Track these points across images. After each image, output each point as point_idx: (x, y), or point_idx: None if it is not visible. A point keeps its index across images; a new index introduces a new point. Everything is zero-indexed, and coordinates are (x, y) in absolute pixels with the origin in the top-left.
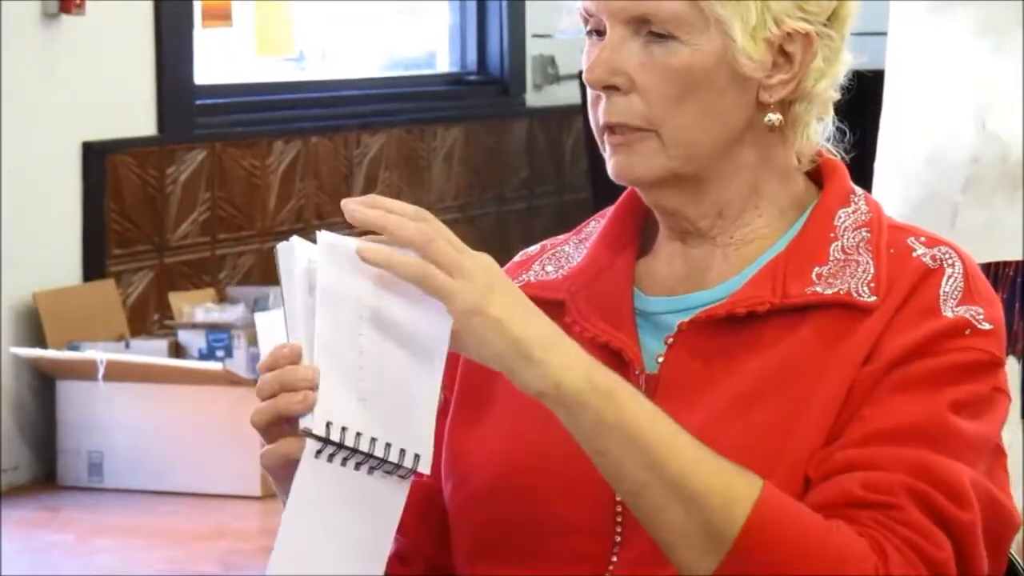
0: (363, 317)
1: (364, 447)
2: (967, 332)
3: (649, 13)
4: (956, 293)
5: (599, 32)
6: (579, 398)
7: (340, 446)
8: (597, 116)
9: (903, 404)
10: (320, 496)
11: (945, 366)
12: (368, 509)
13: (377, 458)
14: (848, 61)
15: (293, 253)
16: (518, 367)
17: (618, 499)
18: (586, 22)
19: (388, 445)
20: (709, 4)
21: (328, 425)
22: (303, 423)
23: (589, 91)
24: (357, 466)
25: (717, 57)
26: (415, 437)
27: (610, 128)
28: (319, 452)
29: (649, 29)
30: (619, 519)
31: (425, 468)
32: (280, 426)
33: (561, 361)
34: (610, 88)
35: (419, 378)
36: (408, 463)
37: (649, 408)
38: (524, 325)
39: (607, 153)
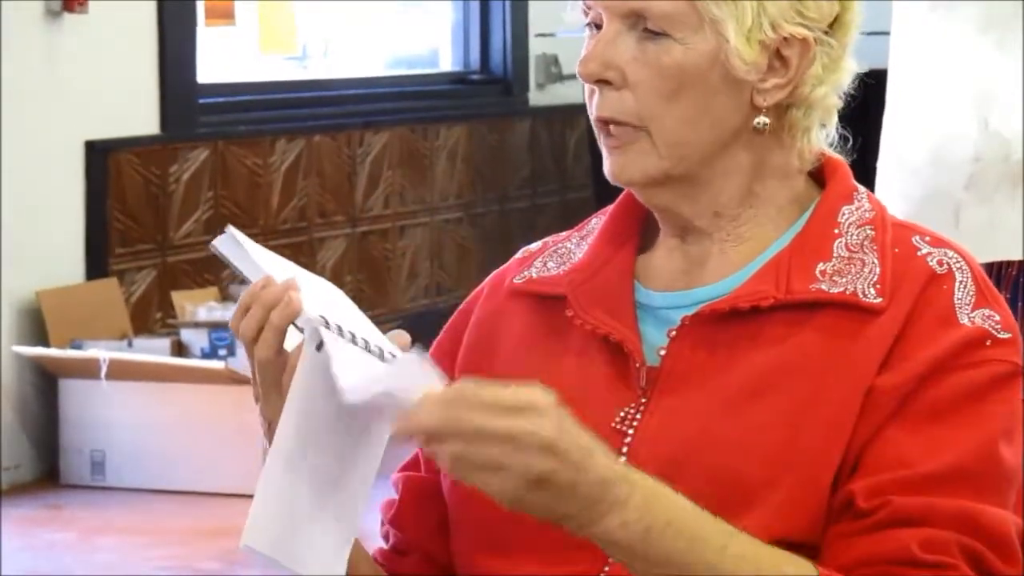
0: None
1: (360, 344)
2: (987, 343)
3: (644, 9)
4: (969, 298)
5: (598, 26)
6: (618, 544)
7: (340, 333)
8: (591, 110)
9: (947, 439)
10: (324, 386)
11: (975, 386)
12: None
13: (367, 350)
14: (852, 69)
15: (236, 239)
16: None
17: None
18: (586, 15)
19: (380, 346)
20: (704, 4)
21: (323, 317)
22: (299, 322)
23: (585, 85)
24: (369, 350)
25: (710, 57)
26: (387, 342)
27: (604, 126)
28: (320, 346)
29: (644, 26)
30: None
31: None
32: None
33: (604, 521)
34: (602, 82)
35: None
36: (387, 359)
37: (687, 536)
38: (565, 505)
39: (604, 153)
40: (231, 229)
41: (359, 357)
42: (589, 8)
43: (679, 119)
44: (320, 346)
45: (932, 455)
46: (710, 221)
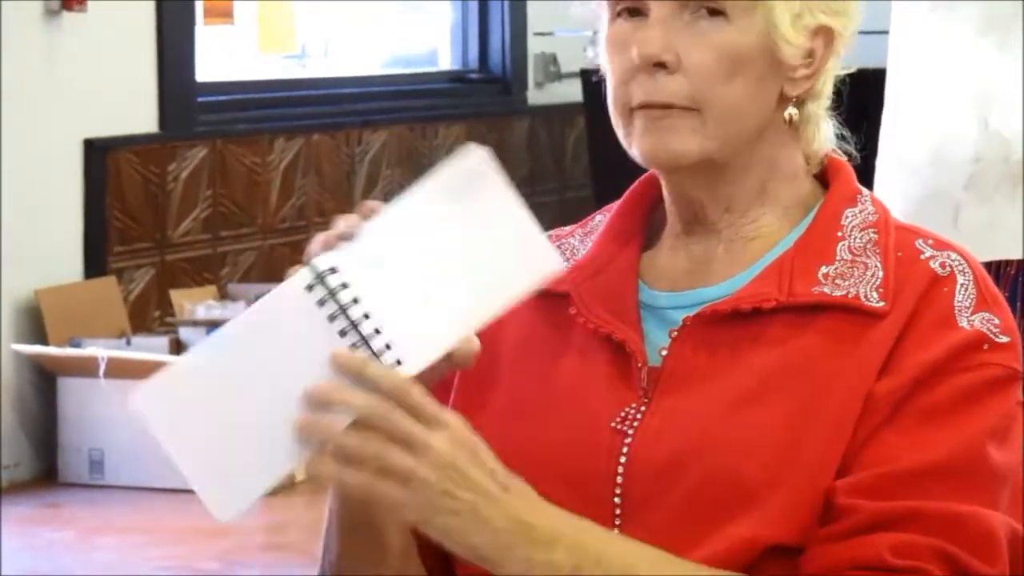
0: (450, 231)
1: (353, 315)
2: (985, 347)
3: None
4: (969, 301)
5: (633, 12)
6: None
7: (332, 297)
8: (629, 94)
9: (934, 439)
10: (284, 326)
11: (969, 388)
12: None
13: (359, 335)
14: (836, 67)
15: (481, 169)
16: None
17: (617, 492)
18: (616, 5)
19: (377, 331)
20: None
21: (332, 270)
22: (315, 260)
23: (620, 70)
24: (342, 333)
25: (760, 41)
26: (413, 346)
27: (637, 108)
28: (311, 287)
29: (700, 7)
30: (617, 511)
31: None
32: None
33: (520, 565)
34: (658, 65)
35: (466, 304)
36: (387, 360)
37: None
38: (475, 534)
39: (636, 132)
40: (484, 154)
41: (306, 330)
42: None
43: (733, 101)
44: (310, 288)
45: (915, 453)
46: (720, 215)
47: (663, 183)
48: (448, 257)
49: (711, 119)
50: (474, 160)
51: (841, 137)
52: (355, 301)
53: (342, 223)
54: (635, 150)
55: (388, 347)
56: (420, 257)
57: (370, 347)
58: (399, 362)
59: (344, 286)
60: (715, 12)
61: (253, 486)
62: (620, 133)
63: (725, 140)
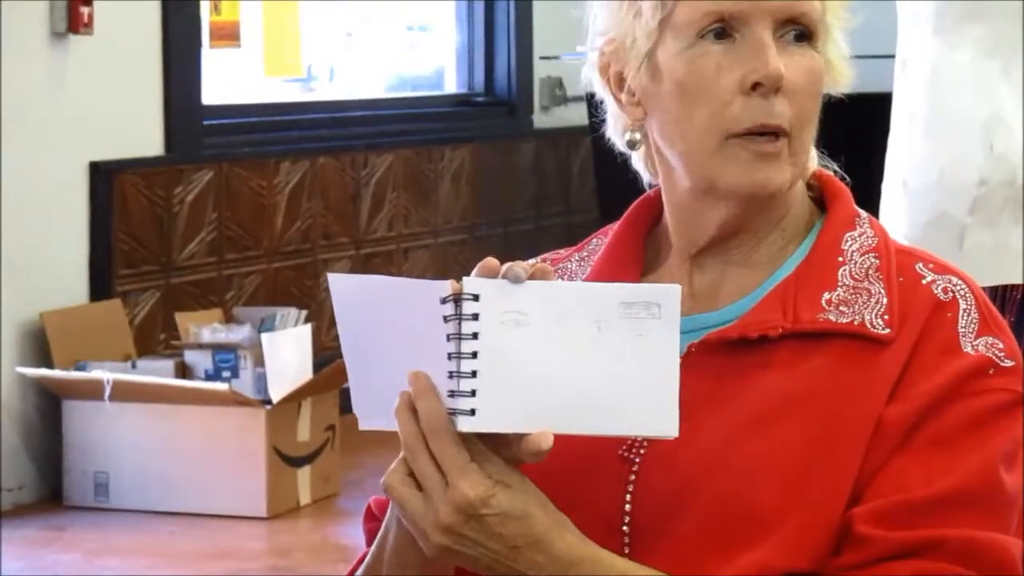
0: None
1: (464, 347)
2: (990, 371)
3: (805, 13)
4: (973, 326)
5: (719, 34)
6: None
7: (458, 319)
8: (733, 118)
9: (947, 466)
10: (416, 311)
11: (977, 414)
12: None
13: (456, 366)
14: None
15: (668, 307)
16: None
17: (625, 520)
18: (703, 26)
19: (474, 373)
20: (832, 7)
21: (475, 296)
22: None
23: (717, 93)
24: (448, 356)
25: (823, 64)
26: (494, 408)
27: (753, 133)
28: (446, 300)
29: (794, 30)
30: (626, 540)
31: (463, 426)
32: None
33: None
34: (778, 89)
35: (567, 407)
36: (461, 405)
37: None
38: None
39: (736, 161)
40: (678, 295)
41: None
42: (731, 16)
43: (814, 124)
44: (445, 301)
45: (931, 481)
46: (742, 238)
47: (711, 207)
48: (583, 359)
49: (797, 144)
50: (667, 295)
51: (835, 156)
52: (474, 336)
53: (518, 265)
54: (730, 179)
55: (473, 393)
56: (559, 342)
57: (458, 383)
58: (473, 411)
59: (475, 317)
60: (801, 36)
61: (379, 421)
62: (698, 159)
63: (803, 166)
